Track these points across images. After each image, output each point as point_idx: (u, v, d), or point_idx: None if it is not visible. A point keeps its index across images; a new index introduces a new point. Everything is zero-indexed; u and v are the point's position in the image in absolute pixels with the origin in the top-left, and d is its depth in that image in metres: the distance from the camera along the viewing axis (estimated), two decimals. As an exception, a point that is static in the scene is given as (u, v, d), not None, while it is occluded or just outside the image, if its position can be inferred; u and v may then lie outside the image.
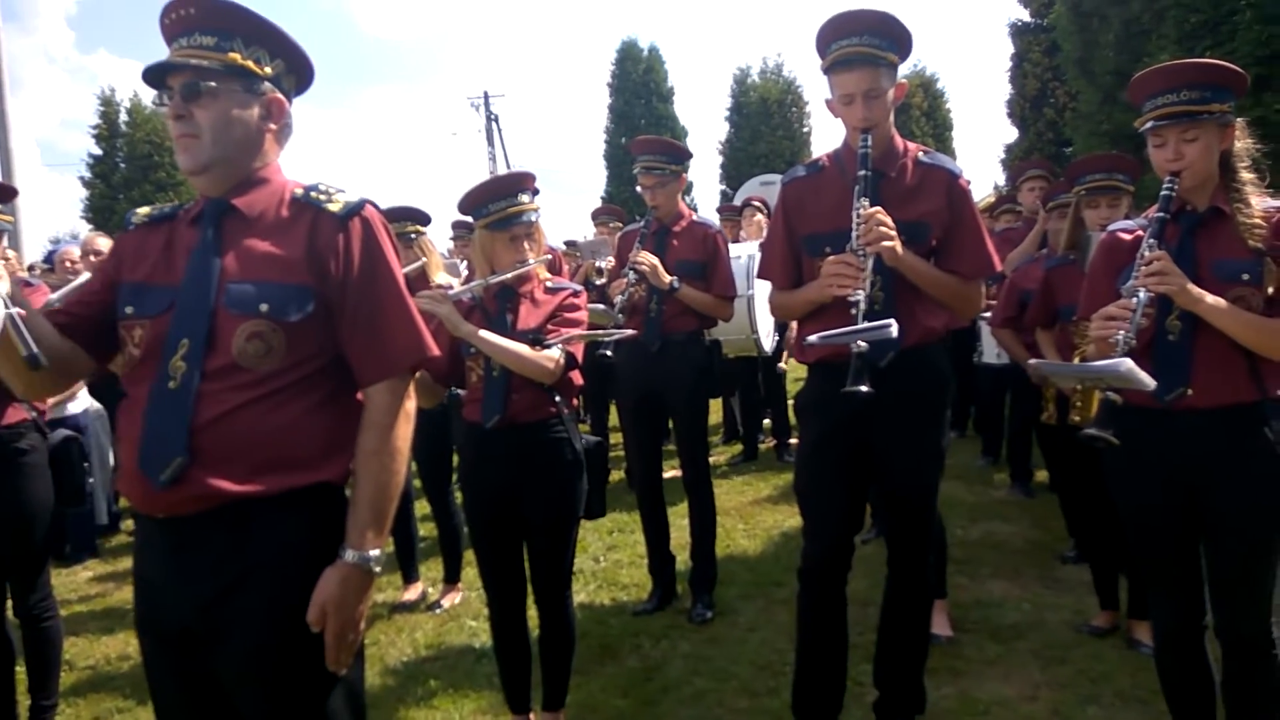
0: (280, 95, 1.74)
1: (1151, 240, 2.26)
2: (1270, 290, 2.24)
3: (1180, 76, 2.28)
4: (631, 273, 3.95)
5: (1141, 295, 2.20)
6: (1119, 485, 2.43)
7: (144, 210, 1.82)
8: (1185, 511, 2.32)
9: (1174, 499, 2.32)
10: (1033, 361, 2.81)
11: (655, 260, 3.95)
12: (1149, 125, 2.32)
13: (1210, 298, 2.20)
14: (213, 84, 1.65)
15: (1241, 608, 2.29)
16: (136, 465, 1.58)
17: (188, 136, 1.66)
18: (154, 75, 1.68)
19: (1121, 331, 2.18)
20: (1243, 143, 2.33)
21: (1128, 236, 2.43)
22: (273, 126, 1.74)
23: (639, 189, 4.17)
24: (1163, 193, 2.29)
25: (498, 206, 2.86)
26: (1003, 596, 3.97)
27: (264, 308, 1.61)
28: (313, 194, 1.72)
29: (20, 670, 3.21)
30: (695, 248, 4.07)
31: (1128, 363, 2.07)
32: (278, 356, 1.63)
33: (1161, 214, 2.28)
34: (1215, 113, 2.26)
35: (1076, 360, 3.24)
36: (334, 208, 1.70)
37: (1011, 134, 16.43)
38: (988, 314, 5.40)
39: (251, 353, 1.61)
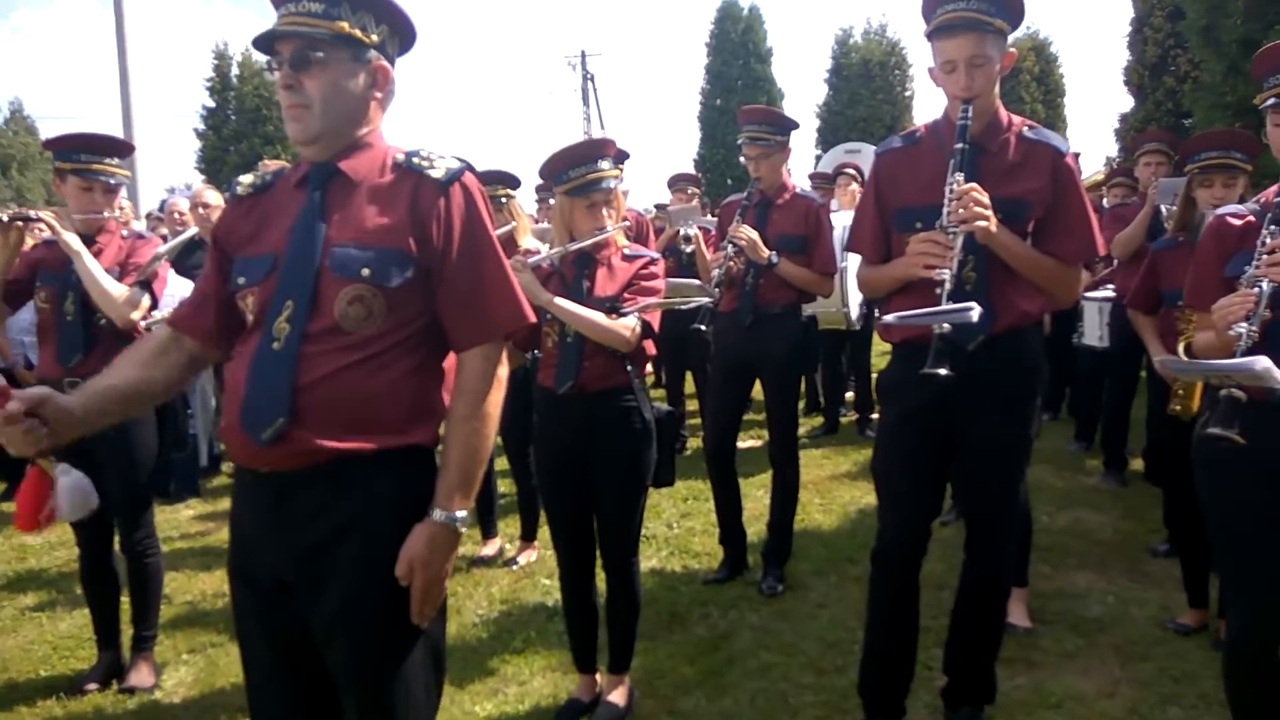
0: (385, 62, 1.76)
1: (1273, 226, 2.12)
2: None
3: None
4: (730, 246, 3.92)
5: (1264, 286, 2.08)
6: (1214, 480, 2.29)
7: (247, 180, 1.86)
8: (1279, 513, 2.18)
9: (1270, 499, 2.18)
10: (1159, 359, 2.67)
11: (754, 234, 3.91)
12: (1270, 102, 2.17)
13: None
14: (321, 54, 1.67)
15: None
16: (239, 422, 1.64)
17: (298, 106, 1.69)
18: (264, 41, 1.71)
19: (1244, 325, 2.07)
20: None
21: (1238, 222, 2.28)
22: (378, 95, 1.77)
23: (742, 159, 4.12)
24: None
25: (577, 173, 2.86)
26: (1086, 588, 3.85)
27: (366, 272, 1.65)
28: (414, 159, 1.74)
29: (124, 601, 3.43)
30: (797, 222, 4.01)
31: (1264, 360, 1.95)
32: (378, 320, 1.66)
33: None
34: None
35: (1181, 348, 3.08)
36: (436, 174, 1.72)
37: (1128, 103, 15.62)
38: (1090, 293, 5.20)
39: (353, 316, 1.65)
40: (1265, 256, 2.10)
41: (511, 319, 1.77)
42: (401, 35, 1.80)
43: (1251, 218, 2.27)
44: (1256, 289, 2.09)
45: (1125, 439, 5.44)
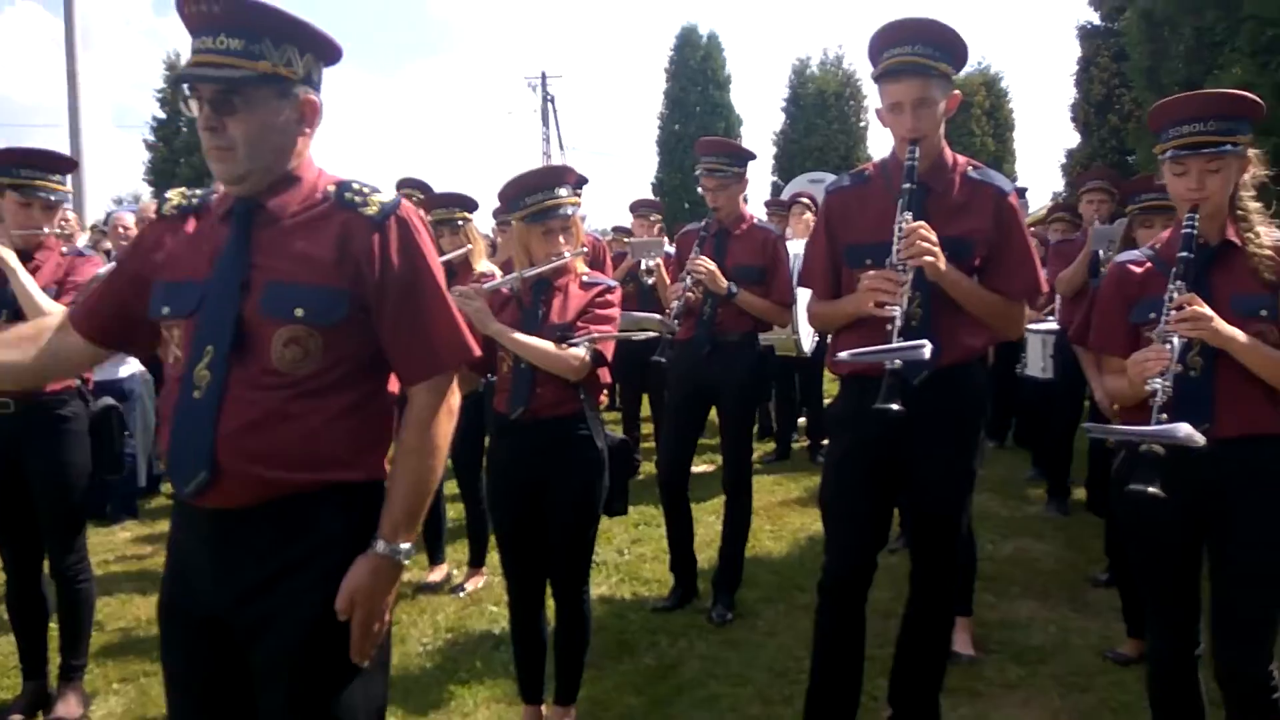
0: (313, 94, 1.69)
1: (1179, 281, 2.21)
2: None
3: (1208, 106, 2.25)
4: (688, 277, 3.94)
5: (1175, 342, 2.17)
6: (1131, 511, 2.37)
7: (176, 195, 1.79)
8: (1192, 543, 2.31)
9: (1186, 530, 2.29)
10: (1087, 425, 2.76)
11: (713, 266, 3.93)
12: (1169, 154, 2.26)
13: (1241, 335, 2.18)
14: (243, 98, 1.58)
15: (1246, 645, 2.24)
16: (169, 466, 1.61)
17: (222, 149, 1.61)
18: (183, 81, 1.62)
19: (1159, 380, 2.16)
20: (1249, 173, 2.27)
21: (1138, 269, 2.40)
22: (307, 130, 1.70)
23: (700, 190, 4.15)
24: (1184, 230, 2.25)
25: (535, 199, 2.86)
26: (1029, 618, 3.90)
27: (300, 312, 1.60)
28: (346, 194, 1.67)
29: (53, 628, 3.31)
30: (755, 253, 4.04)
31: (1186, 428, 2.08)
32: (315, 360, 1.62)
33: (1185, 253, 2.23)
34: (1239, 145, 2.23)
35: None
36: (369, 211, 1.66)
37: (1074, 139, 16.04)
38: (1033, 325, 5.31)
39: (290, 358, 1.60)
40: (1174, 313, 2.19)
41: (455, 352, 1.73)
42: (326, 58, 1.72)
43: (1149, 264, 2.38)
44: (1168, 345, 2.17)
45: (1068, 469, 5.55)
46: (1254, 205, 2.29)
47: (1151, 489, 2.08)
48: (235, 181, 1.65)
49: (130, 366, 5.47)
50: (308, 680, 1.62)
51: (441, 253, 4.08)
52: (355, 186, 1.70)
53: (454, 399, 1.74)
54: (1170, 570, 2.35)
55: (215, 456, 1.56)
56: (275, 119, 1.64)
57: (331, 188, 1.70)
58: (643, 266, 5.15)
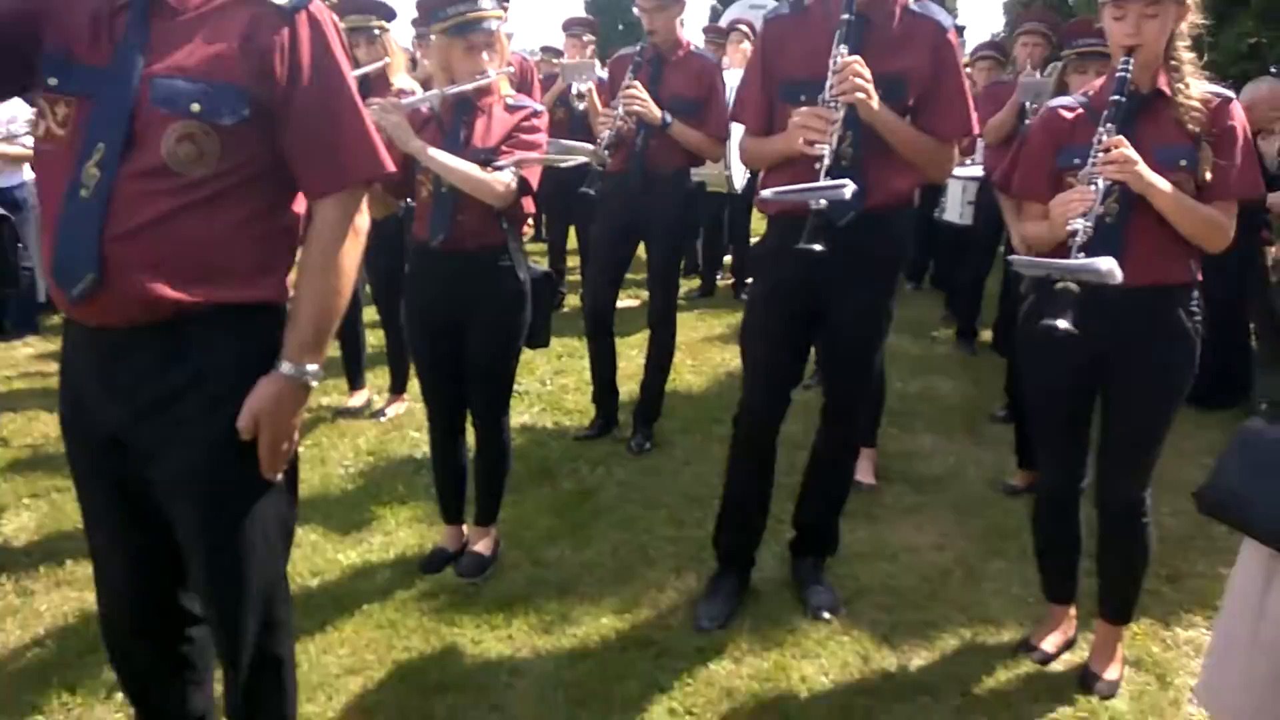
0: None
1: (1109, 124, 2.22)
2: (1206, 177, 2.24)
3: None
4: (621, 106, 3.78)
5: (1100, 184, 2.20)
6: (1031, 350, 2.49)
7: None
8: (1088, 382, 2.43)
9: (1081, 370, 2.41)
10: (1011, 257, 2.80)
11: (646, 96, 3.77)
12: None
13: (1162, 182, 2.20)
14: None
15: (1127, 474, 2.44)
16: (50, 273, 1.51)
17: None
18: None
19: (1081, 221, 2.19)
20: (1186, 21, 2.25)
21: (1069, 115, 2.39)
22: None
23: (636, 11, 3.92)
24: (1118, 74, 2.23)
25: (455, 10, 2.68)
26: (930, 450, 4.13)
27: (195, 107, 1.49)
28: None
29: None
30: (691, 83, 3.89)
31: (1109, 261, 2.10)
32: (210, 161, 1.52)
33: (1118, 96, 2.22)
34: None
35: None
36: (278, 1, 1.54)
37: (1017, -23, 15.67)
38: (957, 169, 5.33)
39: (182, 156, 1.50)
40: (1101, 155, 2.20)
41: (367, 166, 1.65)
42: None
43: (1081, 110, 2.37)
44: (1093, 186, 2.19)
45: (978, 311, 5.75)
46: (1187, 55, 2.27)
47: (1063, 323, 2.13)
48: None
49: (21, 175, 5.12)
50: (214, 498, 1.61)
51: (356, 64, 3.84)
52: None
53: (361, 219, 1.67)
54: (1064, 410, 2.48)
55: (102, 257, 1.47)
56: None
57: None
58: (573, 90, 4.94)
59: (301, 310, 1.62)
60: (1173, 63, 2.26)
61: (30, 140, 3.96)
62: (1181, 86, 2.25)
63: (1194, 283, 2.35)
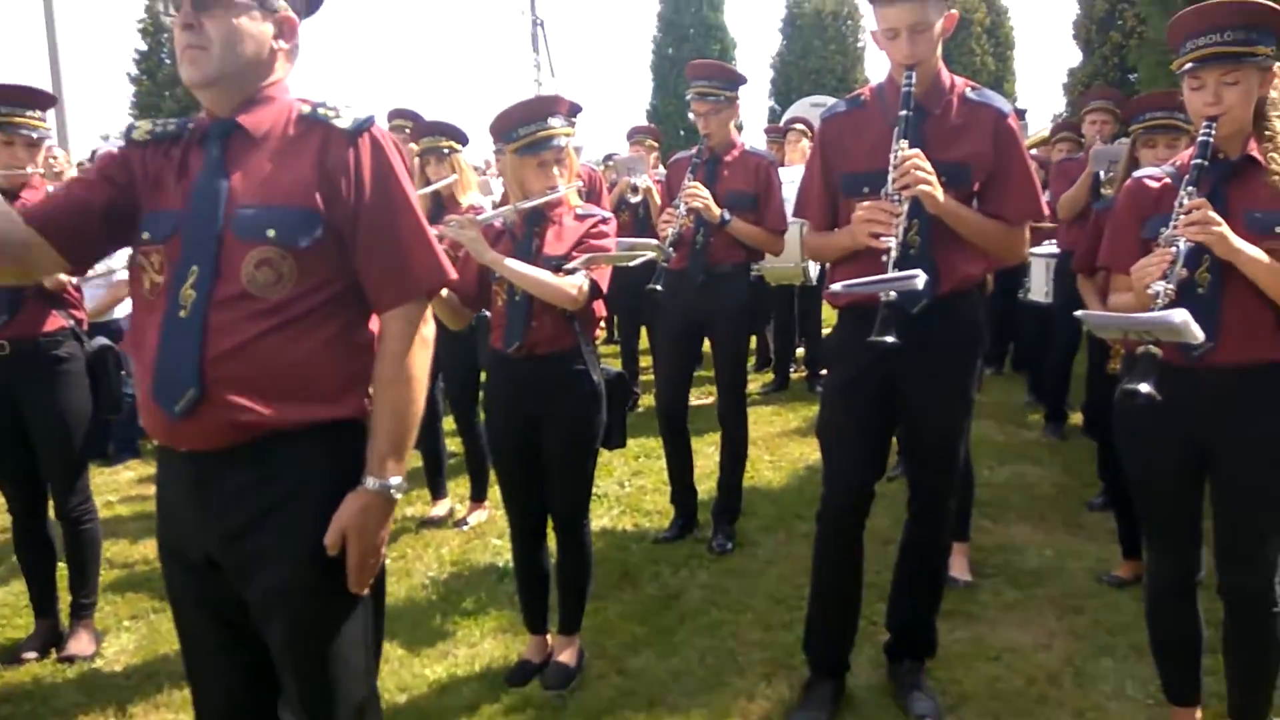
0: (293, 14, 1.69)
1: (1190, 188, 2.16)
2: None
3: (1224, 16, 2.15)
4: (681, 205, 3.88)
5: (1181, 245, 2.13)
6: (1131, 436, 2.39)
7: (145, 125, 1.75)
8: (1195, 468, 2.30)
9: (1186, 455, 2.29)
10: (1079, 313, 2.72)
11: (705, 193, 3.87)
12: (1188, 67, 2.19)
13: (1250, 248, 2.12)
14: None
15: (1247, 564, 2.28)
16: (151, 395, 1.58)
17: (195, 48, 1.60)
18: None
19: (1161, 283, 2.11)
20: (1278, 89, 2.20)
21: (1154, 184, 2.33)
22: (284, 45, 1.69)
23: (691, 115, 4.07)
24: (1200, 138, 2.18)
25: (527, 131, 2.80)
26: (1025, 542, 3.95)
27: (271, 233, 1.59)
28: (320, 110, 1.67)
29: (62, 568, 3.35)
30: (747, 179, 3.98)
31: (1183, 313, 1.99)
32: (288, 284, 1.60)
33: (1200, 160, 2.17)
34: (1259, 55, 2.14)
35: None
36: (342, 124, 1.65)
37: (1076, 57, 15.73)
38: (1035, 248, 5.26)
39: (261, 280, 1.59)
40: (1183, 216, 2.14)
41: (430, 275, 1.72)
42: None
43: (1168, 180, 2.32)
44: (1174, 248, 2.13)
45: (1066, 393, 5.57)
46: None
47: (1145, 387, 2.04)
48: (205, 83, 1.63)
49: (125, 307, 5.44)
50: (303, 615, 1.63)
51: (428, 182, 4.02)
52: (329, 103, 1.70)
53: (427, 328, 1.73)
54: (1170, 497, 2.35)
55: (205, 373, 1.54)
56: (252, 26, 1.63)
57: (305, 108, 1.69)
58: (631, 183, 5.08)
59: (380, 423, 1.67)
60: (1266, 132, 2.20)
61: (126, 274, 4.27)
62: (1276, 154, 2.18)
63: None
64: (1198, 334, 2.01)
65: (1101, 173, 4.36)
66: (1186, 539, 2.37)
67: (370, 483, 1.64)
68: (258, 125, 1.65)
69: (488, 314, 3.00)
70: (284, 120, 1.67)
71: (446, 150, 4.11)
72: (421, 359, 1.71)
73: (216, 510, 1.62)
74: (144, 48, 24.21)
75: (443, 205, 4.02)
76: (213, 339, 1.56)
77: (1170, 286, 2.11)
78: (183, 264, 1.59)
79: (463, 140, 4.21)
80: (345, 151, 1.64)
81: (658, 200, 4.91)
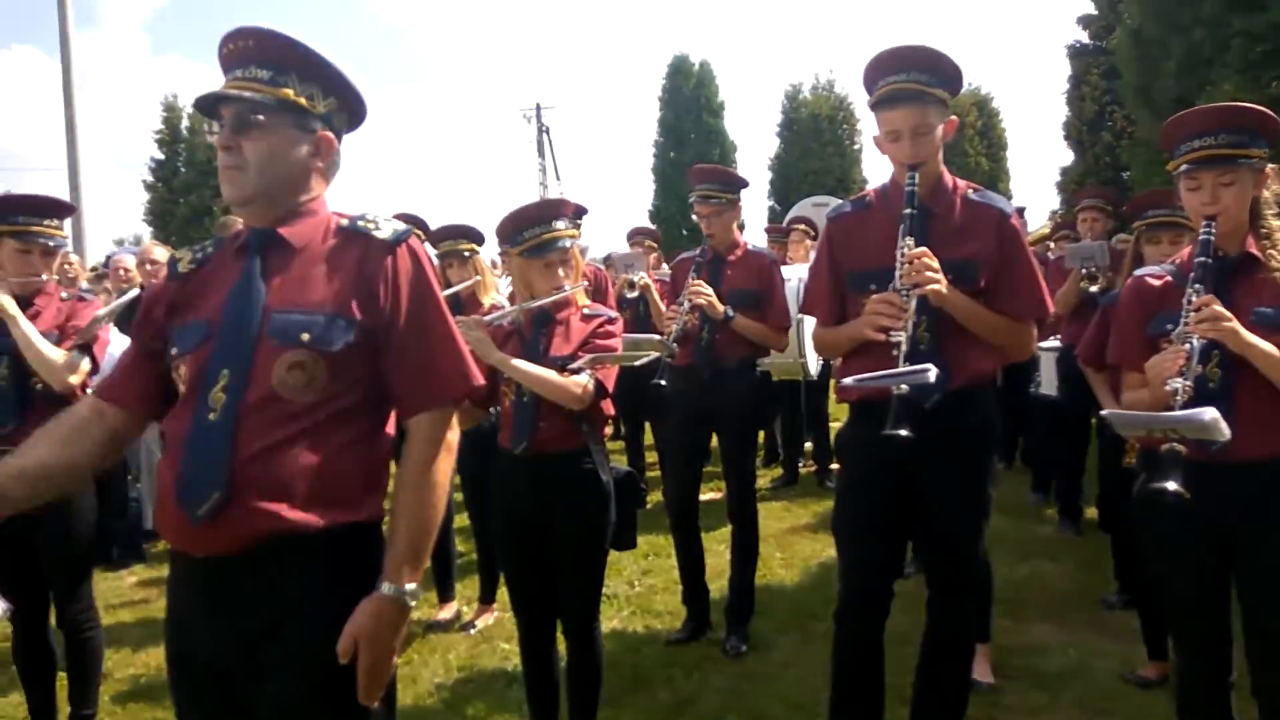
0: (330, 133, 1.75)
1: (1198, 285, 2.20)
2: None
3: (1220, 120, 2.25)
4: (686, 303, 3.94)
5: (1195, 342, 2.14)
6: (1154, 534, 2.36)
7: (188, 255, 1.81)
8: (1220, 565, 2.27)
9: (1211, 551, 2.26)
10: (1105, 411, 2.72)
11: (710, 291, 3.93)
12: (1184, 168, 2.26)
13: (1262, 342, 2.15)
14: (262, 118, 1.66)
15: None
16: (174, 500, 1.58)
17: (234, 169, 1.67)
18: (207, 104, 1.69)
19: (1179, 380, 2.12)
20: (1270, 189, 2.27)
21: (1157, 282, 2.39)
22: (320, 164, 1.75)
23: (695, 218, 4.17)
24: (1201, 237, 2.24)
25: (532, 234, 2.86)
26: (1047, 642, 3.85)
27: (305, 337, 1.61)
28: (360, 222, 1.73)
29: (61, 678, 3.27)
30: (750, 277, 4.05)
31: (1212, 411, 2.00)
32: (318, 388, 1.62)
33: (1204, 258, 2.21)
34: (1253, 158, 2.22)
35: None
36: (382, 235, 1.71)
37: (1068, 157, 16.19)
38: (1041, 343, 5.29)
39: (292, 383, 1.60)
40: (1193, 314, 2.17)
41: (460, 382, 1.74)
42: (351, 111, 1.80)
43: (1169, 278, 2.36)
44: (1187, 345, 2.15)
45: (1080, 488, 5.51)
46: (1276, 223, 2.27)
47: (1172, 485, 2.02)
48: (244, 201, 1.69)
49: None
50: None
51: (449, 284, 4.08)
52: (369, 216, 1.76)
53: (453, 434, 1.74)
54: (1196, 587, 2.31)
55: (232, 476, 1.54)
56: (289, 148, 1.69)
57: (344, 221, 1.74)
58: (628, 280, 5.14)
59: (399, 528, 1.66)
60: (1262, 230, 2.26)
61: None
62: (1274, 252, 2.24)
63: None
64: (1226, 431, 2.01)
65: (1093, 269, 4.45)
66: (1216, 638, 2.32)
67: (386, 588, 1.62)
68: (297, 236, 1.70)
69: (498, 412, 3.00)
70: (323, 232, 1.72)
71: (468, 253, 4.19)
72: (445, 465, 1.71)
73: (230, 617, 1.60)
74: (161, 157, 25.01)
75: (463, 306, 4.08)
76: (243, 442, 1.57)
77: (1189, 383, 2.12)
78: (213, 367, 1.61)
79: (480, 241, 4.29)
80: (384, 260, 1.68)
81: (656, 297, 4.98)
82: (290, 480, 1.58)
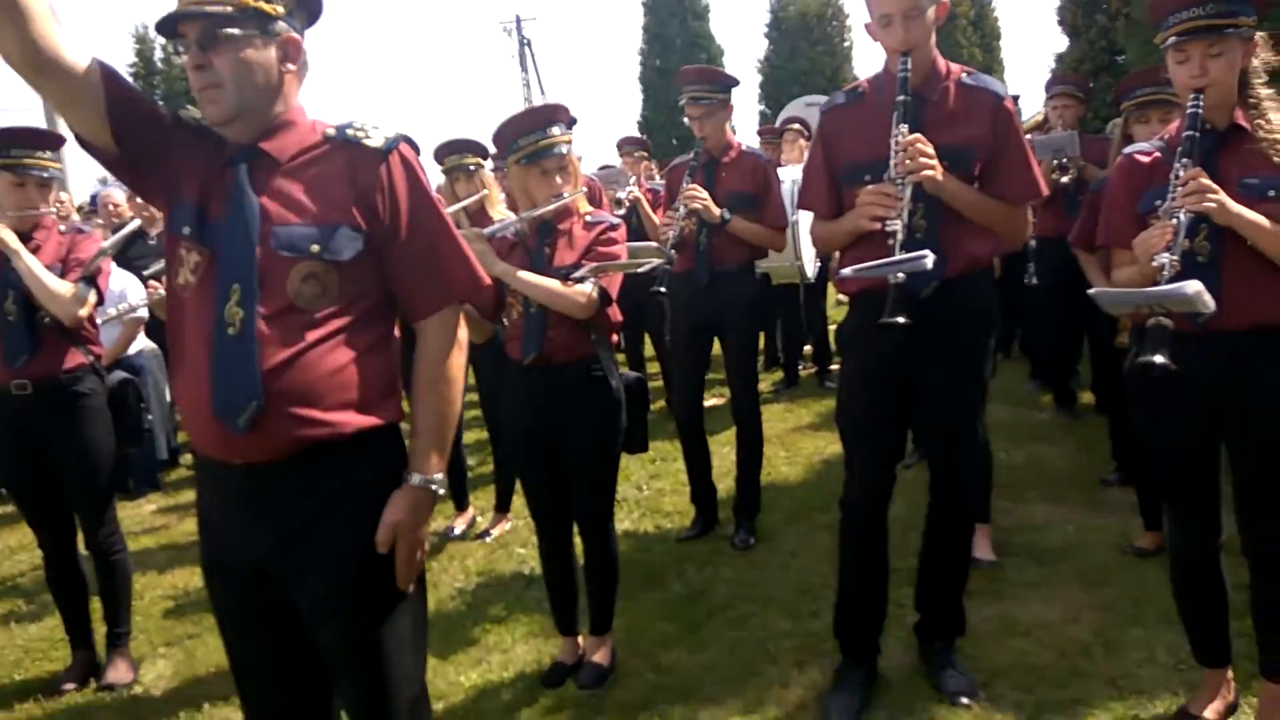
0: (295, 34, 1.71)
1: (1184, 159, 2.20)
2: None
3: None
4: (681, 207, 3.92)
5: (1182, 217, 2.16)
6: (1145, 406, 2.42)
7: (194, 112, 1.76)
8: (1210, 433, 2.33)
9: (1201, 419, 2.32)
10: (1092, 290, 2.75)
11: (705, 195, 3.91)
12: (1171, 41, 2.24)
13: (1249, 213, 2.16)
14: (229, 30, 1.61)
15: (1269, 524, 2.30)
16: (210, 413, 1.61)
17: (211, 87, 1.64)
18: (169, 25, 1.64)
19: (1166, 255, 2.15)
20: (1260, 58, 2.25)
21: (1145, 159, 2.38)
22: (291, 67, 1.72)
23: (686, 120, 4.12)
24: (1189, 110, 2.22)
25: (528, 141, 2.84)
26: (1046, 520, 3.97)
27: (315, 248, 1.64)
28: (349, 130, 1.72)
29: (94, 601, 3.39)
30: (745, 179, 4.03)
31: (1196, 284, 2.04)
32: (333, 297, 1.66)
33: (1190, 132, 2.21)
34: (1240, 26, 2.19)
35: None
36: (373, 143, 1.70)
37: (1062, 43, 15.76)
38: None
39: (308, 294, 1.64)
40: (1180, 189, 2.18)
41: (466, 282, 1.79)
42: (308, 7, 1.75)
43: (1158, 154, 2.36)
44: (1175, 220, 2.17)
45: (1074, 373, 5.58)
46: (1265, 92, 2.25)
47: (1159, 359, 2.07)
48: (228, 119, 1.67)
49: (139, 343, 5.49)
50: (358, 614, 1.68)
51: (456, 199, 4.06)
52: (357, 124, 1.74)
53: (462, 332, 1.80)
54: (1188, 464, 2.38)
55: (265, 386, 1.58)
56: (259, 54, 1.66)
57: (331, 130, 1.73)
58: (616, 197, 5.11)
59: (422, 422, 1.74)
60: (1251, 100, 2.25)
61: (144, 311, 4.31)
62: (1262, 122, 2.23)
63: None
64: (1210, 303, 2.05)
65: (1055, 160, 4.43)
66: (1206, 503, 2.40)
67: (416, 479, 1.71)
68: (281, 149, 1.69)
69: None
70: (310, 142, 1.72)
71: (473, 167, 4.15)
72: (458, 360, 1.78)
73: (269, 518, 1.66)
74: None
75: (471, 219, 4.05)
76: (266, 353, 1.60)
77: (1175, 258, 2.15)
78: (223, 281, 1.63)
79: (485, 154, 4.24)
80: (377, 169, 1.69)
81: (648, 209, 4.95)
82: (319, 386, 1.63)
